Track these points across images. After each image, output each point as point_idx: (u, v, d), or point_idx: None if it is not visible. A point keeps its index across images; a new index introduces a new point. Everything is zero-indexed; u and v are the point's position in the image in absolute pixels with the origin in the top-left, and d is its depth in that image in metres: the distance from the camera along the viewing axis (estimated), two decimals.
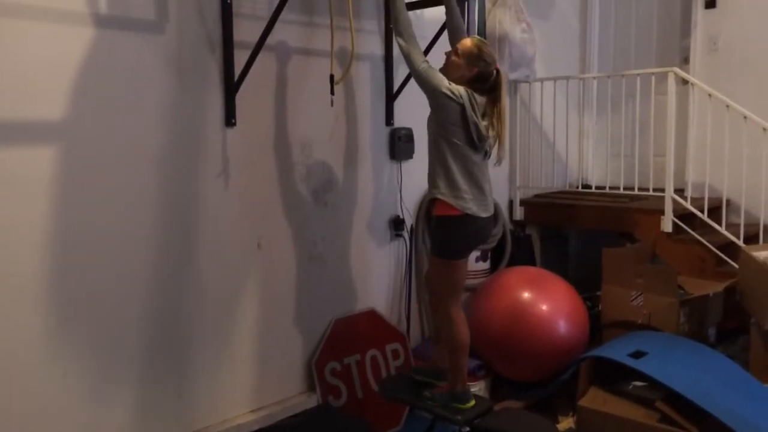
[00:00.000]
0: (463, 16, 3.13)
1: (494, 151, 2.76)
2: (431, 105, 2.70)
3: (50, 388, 2.44)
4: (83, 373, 2.53)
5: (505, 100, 2.71)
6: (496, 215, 3.04)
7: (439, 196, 2.68)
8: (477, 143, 2.66)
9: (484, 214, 2.72)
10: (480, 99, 2.71)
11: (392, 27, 2.73)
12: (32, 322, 2.39)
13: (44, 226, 2.40)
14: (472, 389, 3.44)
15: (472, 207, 2.67)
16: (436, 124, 2.68)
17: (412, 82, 2.86)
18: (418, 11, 3.63)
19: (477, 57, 2.69)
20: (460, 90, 2.64)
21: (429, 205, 2.78)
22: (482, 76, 2.69)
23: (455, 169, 2.66)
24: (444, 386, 2.86)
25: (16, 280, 2.34)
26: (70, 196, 2.45)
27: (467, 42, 2.73)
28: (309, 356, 3.33)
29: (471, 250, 2.85)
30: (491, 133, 2.70)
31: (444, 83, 2.63)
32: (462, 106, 2.61)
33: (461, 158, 2.66)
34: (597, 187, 4.59)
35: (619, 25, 5.20)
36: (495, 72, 2.71)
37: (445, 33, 3.08)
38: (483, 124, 2.67)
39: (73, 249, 2.47)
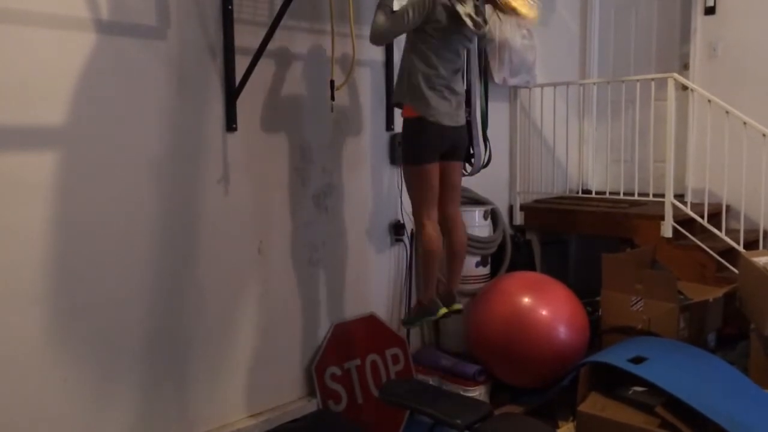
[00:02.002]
0: None
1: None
2: (419, 17, 2.68)
3: (50, 392, 2.45)
4: (83, 378, 2.53)
5: None
6: (471, 136, 3.05)
7: (404, 100, 2.75)
8: (474, 29, 2.68)
9: (449, 123, 2.74)
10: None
11: (378, 31, 2.74)
12: (33, 327, 2.40)
13: (45, 231, 2.41)
14: (472, 394, 3.47)
15: (435, 115, 2.70)
16: (416, 32, 2.70)
17: None
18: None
19: None
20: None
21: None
22: None
23: (421, 79, 2.69)
24: (416, 304, 2.86)
25: (17, 284, 2.35)
26: (70, 200, 2.46)
27: None
28: (309, 361, 3.33)
29: (437, 153, 2.83)
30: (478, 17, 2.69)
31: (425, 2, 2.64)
32: (450, 11, 2.64)
33: (428, 70, 2.69)
34: (597, 193, 4.60)
35: (619, 31, 5.21)
36: None
37: None
38: (471, 15, 2.66)
39: (73, 253, 2.48)
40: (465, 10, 2.65)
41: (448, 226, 2.91)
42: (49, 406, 2.44)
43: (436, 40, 2.68)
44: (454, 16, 2.66)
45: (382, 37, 2.79)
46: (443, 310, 2.82)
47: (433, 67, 2.70)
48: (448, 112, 2.74)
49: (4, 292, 2.32)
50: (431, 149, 2.77)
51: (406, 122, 2.79)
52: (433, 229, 2.79)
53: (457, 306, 2.89)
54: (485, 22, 2.74)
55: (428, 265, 2.81)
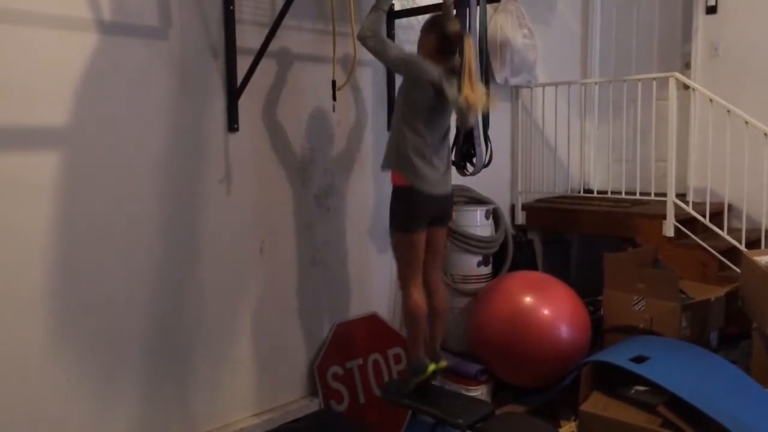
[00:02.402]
0: (465, 22, 3.14)
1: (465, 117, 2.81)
2: (407, 85, 2.74)
3: (53, 392, 2.45)
4: (86, 377, 2.54)
5: (473, 63, 2.69)
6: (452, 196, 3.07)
7: (394, 168, 2.79)
8: (441, 112, 2.74)
9: (437, 192, 2.79)
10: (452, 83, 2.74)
11: (360, 34, 2.74)
12: (36, 327, 2.40)
13: (47, 231, 2.42)
14: (473, 393, 3.47)
15: (424, 183, 2.75)
16: (404, 100, 2.75)
17: None
18: (419, 17, 3.64)
19: (432, 24, 2.77)
20: (438, 71, 2.69)
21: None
22: (444, 40, 2.73)
23: (410, 148, 2.73)
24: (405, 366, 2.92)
25: (20, 285, 2.36)
26: (72, 201, 2.47)
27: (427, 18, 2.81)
28: (311, 360, 3.34)
29: (425, 221, 2.86)
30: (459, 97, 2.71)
31: (426, 67, 2.69)
32: (437, 90, 2.67)
33: (417, 139, 2.73)
34: (599, 192, 4.60)
35: (621, 30, 5.21)
36: (457, 36, 2.71)
37: None
38: (458, 101, 2.70)
39: (75, 254, 2.49)
40: (452, 92, 2.69)
41: (430, 289, 2.98)
42: (51, 405, 2.45)
43: (424, 112, 2.73)
44: (441, 95, 2.70)
45: (365, 42, 2.75)
46: (432, 367, 2.89)
47: (422, 136, 2.74)
48: (436, 180, 2.80)
49: (6, 292, 2.32)
50: (420, 218, 2.83)
51: (396, 190, 2.83)
52: (418, 294, 2.86)
53: (443, 364, 2.96)
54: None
55: (415, 328, 2.88)
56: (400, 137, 2.77)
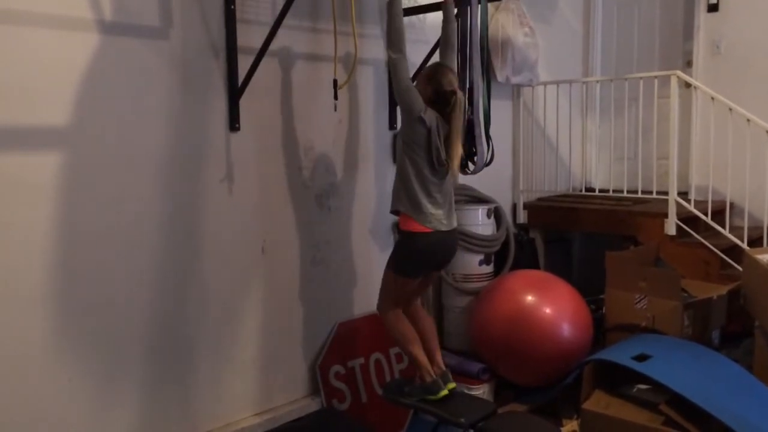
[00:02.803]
0: (466, 21, 3.14)
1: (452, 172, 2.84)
2: (404, 122, 2.78)
3: (55, 392, 2.46)
4: (88, 377, 2.54)
5: (458, 125, 2.76)
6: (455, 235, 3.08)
7: (402, 209, 2.79)
8: (437, 166, 2.76)
9: (444, 228, 2.81)
10: (444, 129, 2.78)
11: (386, 37, 2.78)
12: (37, 327, 2.41)
13: (49, 230, 2.42)
14: (475, 392, 3.47)
15: (433, 222, 2.77)
16: (403, 141, 2.78)
17: None
18: (421, 16, 3.65)
19: (431, 77, 2.80)
20: (431, 115, 2.73)
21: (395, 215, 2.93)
22: (438, 95, 2.76)
23: (416, 187, 2.75)
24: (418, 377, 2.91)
25: (21, 285, 2.36)
26: (74, 201, 2.47)
27: (429, 64, 2.85)
28: (313, 360, 3.34)
29: (425, 270, 2.92)
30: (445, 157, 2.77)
31: (420, 106, 2.72)
32: (429, 131, 2.71)
33: (421, 177, 2.75)
34: (600, 191, 4.59)
35: (622, 28, 5.20)
36: (450, 94, 2.75)
37: None
38: (442, 152, 2.76)
39: (77, 254, 2.49)
40: (439, 145, 2.73)
41: (412, 314, 2.99)
42: (53, 405, 2.45)
43: (424, 151, 2.74)
44: (430, 136, 2.73)
45: (392, 56, 2.76)
46: (444, 392, 2.88)
47: (425, 173, 2.76)
48: (442, 219, 2.80)
49: (7, 293, 2.33)
50: (421, 266, 2.86)
51: (405, 235, 2.83)
52: (398, 319, 2.89)
53: (452, 385, 2.95)
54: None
55: (407, 347, 2.89)
56: (406, 176, 2.76)
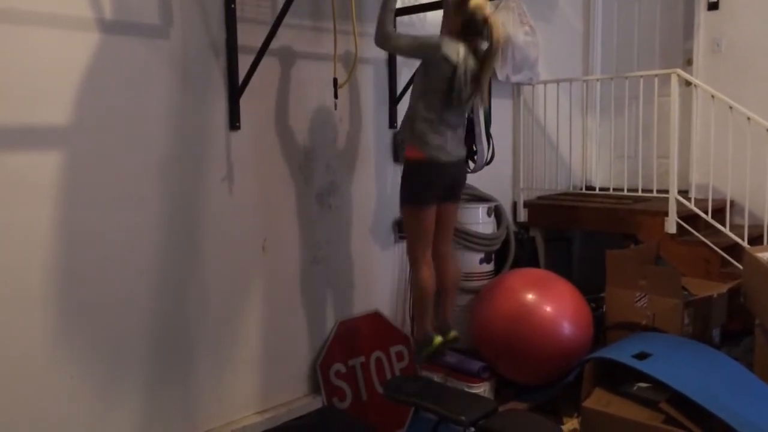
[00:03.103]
0: None
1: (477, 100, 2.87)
2: (424, 62, 2.75)
3: (57, 391, 2.46)
4: (90, 376, 2.54)
5: (492, 58, 2.69)
6: (463, 169, 3.07)
7: (408, 140, 2.80)
8: (455, 103, 2.73)
9: (446, 159, 2.79)
10: (473, 63, 2.72)
11: (376, 43, 2.79)
12: (39, 327, 2.41)
13: (50, 229, 2.42)
14: (476, 391, 3.47)
15: (435, 152, 2.75)
16: (422, 76, 2.76)
17: None
18: (420, 15, 3.65)
19: (458, 5, 2.71)
20: (459, 50, 2.67)
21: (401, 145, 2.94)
22: (468, 24, 2.69)
23: (425, 126, 2.73)
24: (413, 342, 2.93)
25: (23, 284, 2.36)
26: (74, 200, 2.47)
27: None
28: (313, 358, 3.34)
29: (436, 195, 2.87)
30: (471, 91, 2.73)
31: (435, 45, 2.68)
32: (454, 69, 2.66)
33: (432, 115, 2.73)
34: (601, 189, 4.60)
35: (622, 27, 5.20)
36: (482, 22, 2.67)
37: None
38: (467, 91, 2.71)
39: (78, 253, 2.49)
40: (462, 84, 2.68)
41: (439, 263, 2.98)
42: (55, 404, 2.46)
43: (441, 91, 2.70)
44: (455, 75, 2.68)
45: (383, 47, 2.83)
46: (438, 339, 2.91)
47: (438, 113, 2.74)
48: (444, 149, 2.79)
49: (10, 292, 2.33)
50: (431, 192, 2.83)
51: (408, 163, 2.84)
52: (427, 269, 2.88)
53: (454, 334, 2.97)
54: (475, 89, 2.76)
55: (422, 303, 2.91)
56: (415, 111, 2.78)
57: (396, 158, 3.72)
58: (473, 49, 2.73)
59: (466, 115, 2.88)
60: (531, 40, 4.36)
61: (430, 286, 2.89)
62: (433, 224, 2.88)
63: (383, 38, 2.76)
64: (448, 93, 2.69)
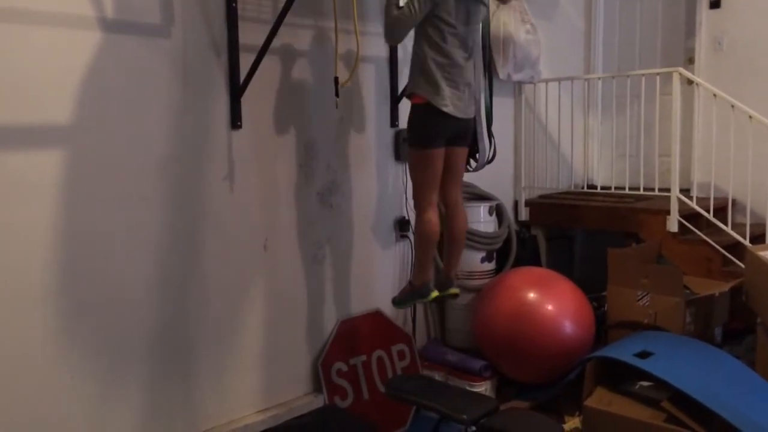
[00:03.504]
0: None
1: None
2: (426, 6, 2.68)
3: (58, 389, 2.46)
4: (91, 374, 2.55)
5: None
6: (475, 129, 3.06)
7: (418, 91, 2.73)
8: (461, 40, 2.71)
9: (458, 115, 2.75)
10: None
11: (387, 40, 2.76)
12: (40, 325, 2.41)
13: (51, 229, 2.42)
14: (478, 389, 3.48)
15: (449, 105, 2.71)
16: (425, 20, 2.70)
17: None
18: None
19: None
20: None
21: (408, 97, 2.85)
22: None
23: (434, 67, 2.69)
24: (406, 287, 2.86)
25: (23, 284, 2.36)
26: (75, 199, 2.47)
27: None
28: (315, 357, 3.35)
29: (443, 139, 2.84)
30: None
31: None
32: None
33: (442, 56, 2.69)
34: (602, 188, 4.59)
35: (624, 25, 5.20)
36: None
37: None
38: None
39: (79, 252, 2.49)
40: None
41: (448, 211, 2.92)
42: (55, 404, 2.46)
43: (446, 27, 2.67)
44: None
45: (393, 34, 2.78)
46: (435, 294, 2.84)
47: (446, 55, 2.69)
48: (458, 105, 2.75)
49: (10, 291, 2.33)
50: (438, 134, 2.77)
51: (415, 107, 2.78)
52: (433, 213, 2.80)
53: (454, 290, 2.90)
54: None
55: (425, 249, 2.81)
56: (423, 56, 2.72)
57: (398, 157, 3.72)
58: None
59: (471, 73, 2.79)
60: (532, 39, 4.36)
61: (435, 231, 2.80)
62: (441, 168, 2.83)
63: (394, 31, 2.70)
64: (455, 25, 2.65)
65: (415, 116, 2.80)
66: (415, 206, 2.87)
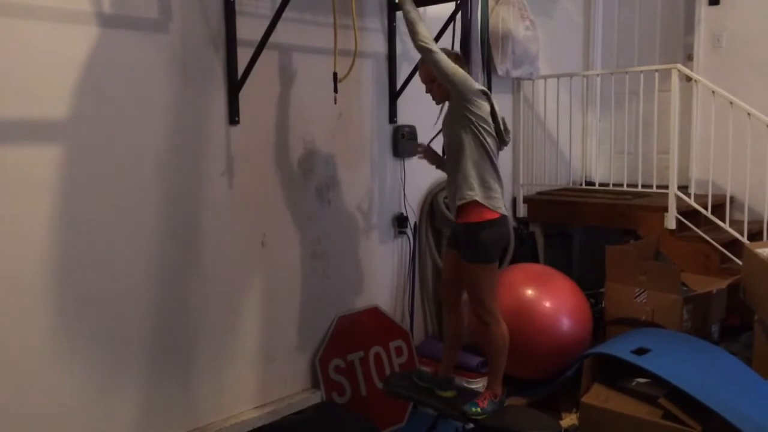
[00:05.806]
0: (467, 14, 3.13)
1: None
2: (464, 105, 2.63)
3: (56, 385, 2.46)
4: (89, 370, 2.54)
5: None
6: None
7: (476, 198, 2.64)
8: (504, 137, 2.72)
9: (504, 212, 2.75)
10: None
11: (414, 39, 2.66)
12: (38, 321, 2.41)
13: (49, 224, 2.42)
14: (475, 386, 3.48)
15: (502, 206, 2.71)
16: (468, 123, 2.64)
17: (416, 79, 2.85)
18: (420, 9, 3.63)
19: (458, 58, 2.76)
20: (484, 87, 2.69)
21: (457, 210, 2.74)
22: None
23: (488, 168, 2.66)
24: (485, 395, 2.79)
25: (22, 278, 2.36)
26: (74, 194, 2.47)
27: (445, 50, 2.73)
28: (313, 353, 3.35)
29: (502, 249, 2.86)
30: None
31: (475, 83, 2.66)
32: (492, 105, 2.66)
33: (490, 157, 2.67)
34: (600, 185, 4.59)
35: (623, 21, 5.19)
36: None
37: (449, 32, 3.08)
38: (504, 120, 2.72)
39: (77, 247, 2.49)
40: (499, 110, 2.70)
41: (459, 313, 2.96)
42: (55, 398, 2.46)
43: (488, 129, 2.66)
44: (493, 111, 2.68)
45: (427, 54, 2.64)
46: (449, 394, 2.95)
47: (492, 158, 2.69)
48: (504, 203, 2.76)
49: (10, 286, 2.33)
50: (501, 246, 2.77)
51: (485, 224, 2.67)
52: (504, 323, 2.80)
53: (449, 393, 2.96)
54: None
55: (503, 358, 2.79)
56: (480, 163, 2.65)
57: (396, 153, 3.72)
58: None
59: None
60: (531, 35, 4.35)
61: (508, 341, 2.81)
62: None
63: (438, 55, 2.61)
64: (497, 127, 2.67)
65: (486, 233, 2.67)
66: (491, 319, 2.76)
